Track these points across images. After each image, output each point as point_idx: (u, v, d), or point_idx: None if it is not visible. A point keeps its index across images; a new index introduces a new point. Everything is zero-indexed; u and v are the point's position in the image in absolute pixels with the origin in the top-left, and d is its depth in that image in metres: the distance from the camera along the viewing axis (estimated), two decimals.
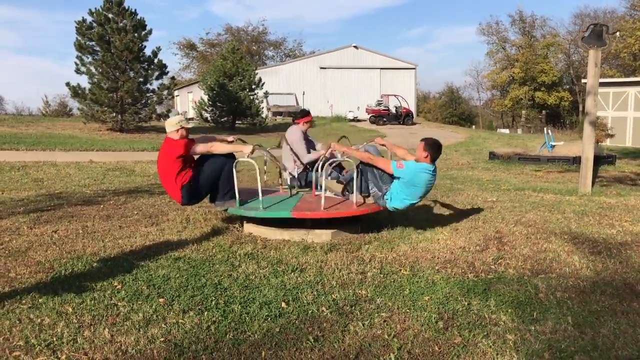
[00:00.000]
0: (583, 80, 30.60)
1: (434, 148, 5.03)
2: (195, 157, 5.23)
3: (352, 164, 5.32)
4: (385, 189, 5.20)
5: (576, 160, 12.97)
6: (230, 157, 5.22)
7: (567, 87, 53.44)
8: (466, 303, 3.53)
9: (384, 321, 3.24)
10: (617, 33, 16.96)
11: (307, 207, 5.19)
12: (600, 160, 14.00)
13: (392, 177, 5.17)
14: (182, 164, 5.02)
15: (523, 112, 48.94)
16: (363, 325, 3.18)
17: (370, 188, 5.33)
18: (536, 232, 5.51)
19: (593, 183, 9.24)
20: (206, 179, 5.13)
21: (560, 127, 35.17)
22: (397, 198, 5.15)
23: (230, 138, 5.67)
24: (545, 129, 18.24)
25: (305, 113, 6.21)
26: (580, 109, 46.72)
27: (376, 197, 5.30)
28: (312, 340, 2.97)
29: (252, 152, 5.13)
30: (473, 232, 5.48)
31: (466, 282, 3.96)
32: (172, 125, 5.05)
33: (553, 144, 16.21)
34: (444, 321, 3.24)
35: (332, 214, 5.06)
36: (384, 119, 33.20)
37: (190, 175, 5.06)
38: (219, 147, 5.16)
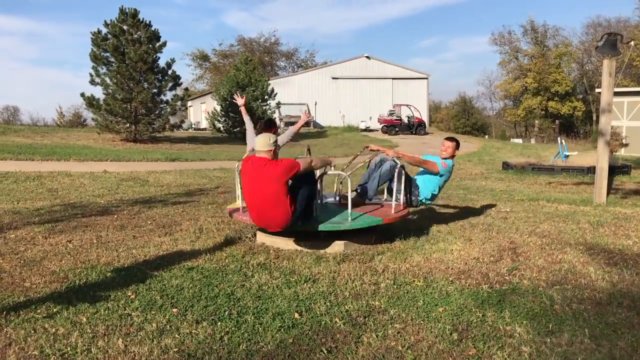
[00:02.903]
0: (597, 90, 30.36)
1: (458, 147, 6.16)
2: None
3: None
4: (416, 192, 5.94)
5: (590, 170, 12.86)
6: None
7: (581, 96, 53.14)
8: (480, 314, 3.50)
9: (398, 332, 3.22)
10: (632, 42, 16.84)
11: (383, 213, 5.41)
12: (615, 170, 13.88)
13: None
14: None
15: (536, 122, 48.71)
16: (376, 336, 3.16)
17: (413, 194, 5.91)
18: (551, 242, 5.45)
19: (608, 193, 9.14)
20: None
21: (573, 137, 35.00)
22: (426, 192, 5.93)
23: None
24: (559, 138, 18.14)
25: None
26: (594, 118, 46.41)
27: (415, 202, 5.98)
28: (326, 351, 2.95)
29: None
30: (487, 242, 5.44)
31: (480, 293, 3.93)
32: (267, 145, 4.70)
33: (567, 154, 16.11)
34: (458, 332, 3.22)
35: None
36: (397, 129, 33.22)
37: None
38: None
